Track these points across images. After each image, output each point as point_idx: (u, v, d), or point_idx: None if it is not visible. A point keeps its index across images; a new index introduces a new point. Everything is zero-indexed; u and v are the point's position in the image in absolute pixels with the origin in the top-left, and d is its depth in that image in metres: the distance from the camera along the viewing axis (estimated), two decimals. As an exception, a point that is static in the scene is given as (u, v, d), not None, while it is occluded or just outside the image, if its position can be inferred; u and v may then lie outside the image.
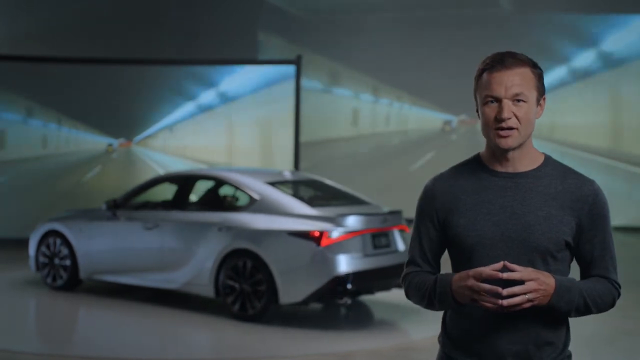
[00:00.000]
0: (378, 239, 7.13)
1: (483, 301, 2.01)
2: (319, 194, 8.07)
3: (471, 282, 2.02)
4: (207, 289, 7.29)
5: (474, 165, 2.23)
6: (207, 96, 12.61)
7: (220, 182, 7.86)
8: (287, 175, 8.06)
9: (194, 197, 8.36)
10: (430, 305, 2.20)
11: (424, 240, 2.27)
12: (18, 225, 11.64)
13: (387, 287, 7.34)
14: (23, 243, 11.22)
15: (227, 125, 12.76)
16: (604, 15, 15.03)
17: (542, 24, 15.05)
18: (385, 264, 7.12)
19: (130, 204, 8.25)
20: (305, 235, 6.80)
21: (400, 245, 7.35)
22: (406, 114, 16.40)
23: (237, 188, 7.61)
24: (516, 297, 1.98)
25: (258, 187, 7.36)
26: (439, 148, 16.11)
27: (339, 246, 6.77)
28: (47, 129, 12.31)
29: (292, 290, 6.85)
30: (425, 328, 6.84)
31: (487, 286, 1.99)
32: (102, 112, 12.30)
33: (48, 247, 8.56)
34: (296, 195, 7.75)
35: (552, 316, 2.11)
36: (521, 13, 15.39)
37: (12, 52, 12.48)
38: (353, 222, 6.92)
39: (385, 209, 7.51)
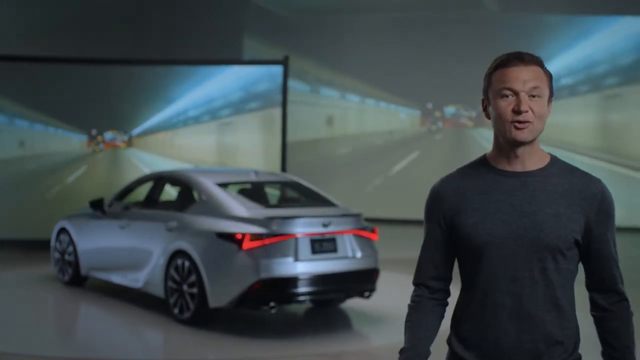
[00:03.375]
0: (320, 243, 6.72)
1: None
2: (281, 195, 7.90)
3: None
4: (158, 289, 7.24)
5: (481, 166, 2.23)
6: (193, 97, 12.57)
7: (181, 183, 7.84)
8: (253, 175, 7.74)
9: (164, 197, 8.40)
10: None
11: (432, 243, 2.28)
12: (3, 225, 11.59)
13: (334, 294, 7.01)
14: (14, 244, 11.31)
15: (213, 125, 12.73)
16: (589, 16, 15.13)
17: (526, 25, 15.13)
18: (328, 271, 6.73)
19: (121, 203, 8.35)
20: (230, 237, 6.57)
21: (352, 251, 6.88)
22: (392, 114, 16.43)
23: (192, 188, 7.51)
24: None
25: (207, 188, 7.20)
26: (424, 148, 16.16)
27: (264, 250, 6.45)
28: (31, 129, 12.24)
29: (219, 294, 6.62)
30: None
31: None
32: (89, 112, 12.24)
33: (60, 243, 8.87)
34: (249, 196, 7.48)
35: (562, 316, 2.15)
36: (505, 14, 15.46)
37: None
38: (285, 225, 6.57)
39: (347, 212, 7.16)
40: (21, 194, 11.90)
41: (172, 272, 7.00)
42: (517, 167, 2.17)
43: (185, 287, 6.84)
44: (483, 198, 2.17)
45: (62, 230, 8.89)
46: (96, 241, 8.38)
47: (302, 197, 7.73)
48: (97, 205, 8.38)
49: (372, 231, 7.15)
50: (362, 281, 6.96)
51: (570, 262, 2.16)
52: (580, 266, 2.24)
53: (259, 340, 6.58)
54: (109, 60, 12.66)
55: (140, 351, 6.61)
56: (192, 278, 6.77)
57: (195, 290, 6.73)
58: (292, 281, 6.55)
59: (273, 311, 6.63)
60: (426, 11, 15.73)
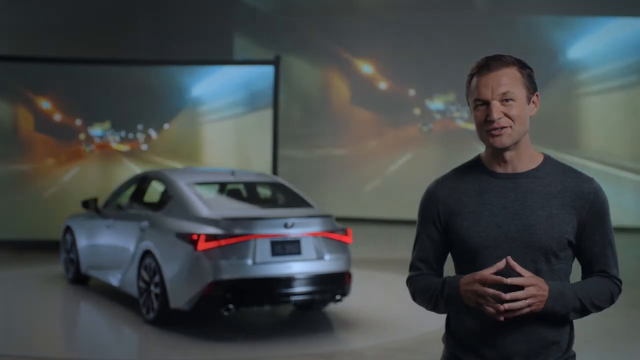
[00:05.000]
0: (282, 245, 6.54)
1: (486, 305, 2.03)
2: (258, 196, 7.72)
3: (476, 286, 2.05)
4: (133, 289, 7.24)
5: (475, 167, 2.25)
6: (184, 97, 12.53)
7: (159, 183, 7.81)
8: (230, 176, 7.58)
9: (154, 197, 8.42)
10: (436, 307, 2.22)
11: (426, 243, 2.28)
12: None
13: (298, 297, 6.71)
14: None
15: (203, 126, 12.69)
16: (578, 17, 15.17)
17: (516, 26, 15.16)
18: (290, 273, 6.51)
19: (115, 202, 8.38)
20: (186, 238, 6.48)
21: (318, 253, 6.66)
22: (385, 114, 16.43)
23: (168, 188, 7.43)
24: (517, 302, 2.02)
25: (178, 188, 7.12)
26: (417, 149, 16.17)
27: (219, 251, 6.32)
28: (23, 129, 12.21)
29: (178, 295, 6.52)
30: (409, 328, 6.84)
31: (491, 291, 2.02)
32: (79, 112, 12.21)
33: (66, 242, 9.06)
34: (223, 196, 7.40)
35: (557, 316, 2.14)
36: (497, 15, 15.48)
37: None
38: (242, 225, 6.42)
39: (317, 213, 6.95)
40: (13, 194, 11.86)
41: (143, 272, 6.99)
42: (509, 169, 2.19)
43: (152, 287, 6.82)
44: (477, 200, 2.19)
45: (68, 229, 9.06)
46: (91, 240, 8.49)
47: (280, 197, 7.60)
48: (89, 204, 8.47)
49: (345, 233, 6.93)
50: (330, 285, 6.76)
51: (563, 262, 2.17)
52: (577, 265, 2.25)
53: (250, 341, 6.56)
54: (99, 60, 12.62)
55: (132, 353, 6.59)
56: (157, 278, 6.76)
57: (159, 290, 6.71)
58: (249, 283, 6.39)
59: (226, 314, 6.43)
60: (416, 12, 15.75)
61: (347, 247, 6.95)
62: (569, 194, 2.15)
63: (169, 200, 7.18)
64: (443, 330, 2.37)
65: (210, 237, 6.36)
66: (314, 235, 6.69)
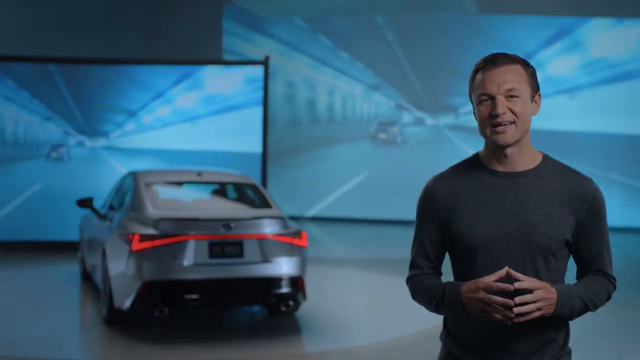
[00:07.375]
0: (221, 247, 6.35)
1: (494, 313, 2.02)
2: (214, 197, 7.54)
3: (482, 294, 2.03)
4: (101, 287, 7.26)
5: (474, 165, 2.24)
6: (173, 97, 12.49)
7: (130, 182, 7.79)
8: (195, 175, 7.36)
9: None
10: (437, 311, 2.22)
11: (425, 241, 2.28)
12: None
13: (238, 301, 6.67)
14: None
15: (193, 126, 12.66)
16: (568, 17, 15.23)
17: (507, 26, 15.20)
18: (228, 276, 6.34)
19: (109, 202, 8.35)
20: (125, 237, 6.43)
21: (264, 256, 6.42)
22: (372, 114, 16.44)
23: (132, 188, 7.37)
24: (527, 306, 2.01)
25: (135, 187, 7.06)
26: (409, 149, 16.20)
27: (153, 251, 6.20)
28: (12, 129, 12.18)
29: (119, 294, 6.45)
30: (402, 328, 6.81)
31: (499, 299, 2.01)
32: (67, 111, 12.19)
33: (80, 241, 9.22)
34: (177, 196, 7.33)
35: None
36: (486, 14, 15.52)
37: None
38: (177, 226, 6.29)
39: (265, 214, 6.71)
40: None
41: (104, 271, 6.99)
42: (509, 168, 2.19)
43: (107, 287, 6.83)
44: (476, 199, 2.18)
45: (80, 228, 9.24)
46: (88, 239, 8.57)
47: (242, 198, 7.41)
48: (84, 204, 8.42)
49: (298, 236, 6.65)
50: (277, 289, 6.52)
51: (560, 261, 2.18)
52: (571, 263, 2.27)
53: (239, 342, 6.51)
54: (88, 60, 12.57)
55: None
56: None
57: (108, 289, 6.70)
58: (183, 285, 6.25)
59: (157, 314, 6.31)
60: (409, 13, 15.77)
61: (301, 251, 6.64)
62: (568, 194, 2.16)
63: (129, 200, 7.17)
64: (437, 329, 2.38)
65: (144, 237, 6.27)
66: (260, 237, 6.46)
